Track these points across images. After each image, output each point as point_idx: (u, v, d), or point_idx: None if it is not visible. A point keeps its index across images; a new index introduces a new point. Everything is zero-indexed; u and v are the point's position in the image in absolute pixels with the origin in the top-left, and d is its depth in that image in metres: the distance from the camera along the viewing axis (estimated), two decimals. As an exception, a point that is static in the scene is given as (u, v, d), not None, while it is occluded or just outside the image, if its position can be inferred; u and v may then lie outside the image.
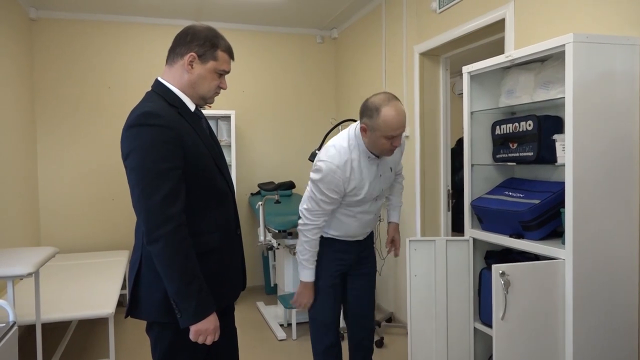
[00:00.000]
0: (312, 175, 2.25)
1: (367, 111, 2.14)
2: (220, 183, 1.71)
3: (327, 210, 2.29)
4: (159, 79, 1.69)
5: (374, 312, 2.58)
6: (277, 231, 3.88)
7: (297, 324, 3.83)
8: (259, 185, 5.03)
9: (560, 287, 1.98)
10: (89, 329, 3.95)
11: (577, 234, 1.93)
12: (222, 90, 1.76)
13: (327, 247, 2.40)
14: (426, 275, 2.54)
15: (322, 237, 2.40)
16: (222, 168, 1.73)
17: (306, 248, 2.33)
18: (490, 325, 2.34)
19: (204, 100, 1.72)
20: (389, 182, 2.41)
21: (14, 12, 4.03)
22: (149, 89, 1.71)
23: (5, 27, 3.81)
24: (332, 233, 2.40)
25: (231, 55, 1.71)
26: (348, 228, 2.37)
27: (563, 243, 1.99)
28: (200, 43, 1.63)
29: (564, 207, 1.97)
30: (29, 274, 2.31)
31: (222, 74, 1.70)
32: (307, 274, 2.37)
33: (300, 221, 2.34)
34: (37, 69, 4.54)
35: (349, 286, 2.50)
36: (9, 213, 3.74)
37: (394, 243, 2.58)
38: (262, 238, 4.13)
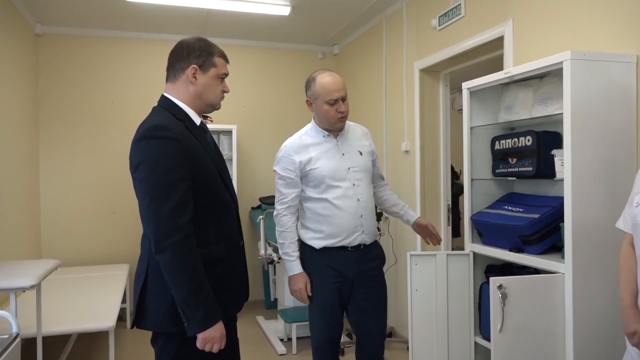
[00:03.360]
0: (274, 166, 2.42)
1: (307, 84, 2.37)
2: (225, 195, 1.75)
3: (289, 195, 2.35)
4: (165, 94, 1.74)
5: (383, 346, 2.46)
6: (277, 245, 3.88)
7: (297, 338, 3.82)
8: (260, 199, 5.05)
9: (559, 301, 1.99)
10: (90, 342, 3.93)
11: (577, 248, 1.95)
12: (224, 105, 1.83)
13: (318, 260, 2.32)
14: (427, 289, 2.54)
15: (311, 249, 2.35)
16: (226, 180, 1.77)
17: (279, 241, 2.37)
18: (489, 339, 2.35)
19: (212, 107, 1.78)
20: (362, 167, 2.38)
21: (20, 28, 4.09)
22: (153, 104, 1.76)
23: (12, 42, 3.87)
24: (321, 235, 2.31)
25: (226, 59, 1.79)
26: (336, 221, 2.29)
27: (563, 257, 2.01)
28: (198, 54, 1.70)
29: (563, 221, 1.99)
30: (32, 287, 2.33)
31: (223, 78, 1.77)
32: (291, 267, 2.34)
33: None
34: (42, 83, 4.59)
35: (354, 319, 2.39)
36: (11, 225, 3.75)
37: (427, 231, 2.49)
38: (262, 252, 4.14)
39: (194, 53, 1.69)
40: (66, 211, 4.67)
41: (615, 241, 1.97)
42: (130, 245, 4.67)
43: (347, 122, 2.43)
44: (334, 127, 2.36)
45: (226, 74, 1.78)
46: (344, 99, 2.30)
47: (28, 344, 3.19)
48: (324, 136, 2.37)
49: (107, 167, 4.74)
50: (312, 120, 2.43)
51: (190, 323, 1.54)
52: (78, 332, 3.16)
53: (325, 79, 2.29)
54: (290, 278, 2.36)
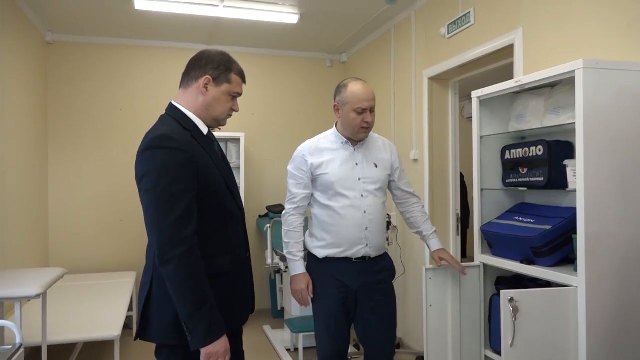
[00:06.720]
0: (288, 165, 2.42)
1: (338, 89, 2.37)
2: (231, 205, 1.72)
3: (298, 195, 2.34)
4: (173, 102, 1.72)
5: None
6: (284, 254, 3.86)
7: (304, 348, 3.78)
8: (267, 208, 5.03)
9: (572, 315, 1.94)
10: (95, 351, 3.92)
11: (590, 261, 1.90)
12: (233, 113, 1.80)
13: (321, 270, 2.31)
14: (440, 303, 2.48)
15: (316, 258, 2.33)
16: (233, 190, 1.75)
17: (285, 240, 2.38)
18: (500, 353, 2.30)
19: (217, 122, 1.76)
20: (375, 179, 2.36)
21: (31, 36, 4.12)
22: (161, 111, 1.75)
23: (23, 50, 3.90)
24: (324, 243, 2.30)
25: (243, 79, 1.77)
26: (339, 231, 2.28)
27: (575, 270, 1.96)
28: (215, 66, 1.68)
29: (575, 233, 1.94)
30: (37, 295, 2.31)
31: (235, 96, 1.75)
32: (294, 267, 2.35)
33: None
34: (51, 90, 4.62)
35: (362, 333, 2.36)
36: (19, 233, 3.76)
37: (450, 262, 2.40)
38: (269, 261, 4.11)
39: (212, 64, 1.68)
40: (74, 218, 4.67)
41: (630, 254, 1.93)
42: (137, 253, 4.66)
43: (372, 133, 2.45)
44: (356, 137, 2.35)
45: (239, 94, 1.76)
46: (371, 110, 2.31)
47: (33, 353, 3.18)
48: (342, 143, 2.37)
49: (115, 174, 4.75)
50: (335, 126, 2.43)
51: (194, 337, 1.51)
52: (83, 341, 3.14)
53: (357, 87, 2.30)
54: (292, 278, 2.36)
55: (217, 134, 1.88)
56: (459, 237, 3.83)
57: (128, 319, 4.18)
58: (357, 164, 2.34)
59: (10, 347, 1.99)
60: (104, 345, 3.92)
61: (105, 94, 4.79)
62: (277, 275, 4.54)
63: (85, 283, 4.20)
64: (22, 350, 2.00)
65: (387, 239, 3.55)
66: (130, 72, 4.87)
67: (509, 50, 2.89)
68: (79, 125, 4.70)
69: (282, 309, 4.52)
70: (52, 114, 4.62)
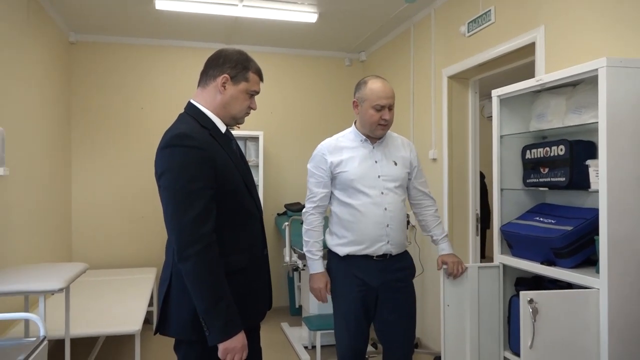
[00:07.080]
0: (308, 163, 2.44)
1: (357, 86, 2.39)
2: (249, 203, 1.74)
3: (318, 194, 2.35)
4: (192, 101, 1.74)
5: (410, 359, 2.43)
6: (302, 252, 3.87)
7: (322, 346, 3.79)
8: (285, 206, 5.05)
9: (594, 317, 1.91)
10: (116, 345, 3.99)
11: (612, 262, 1.87)
12: (251, 111, 1.82)
13: (342, 268, 2.32)
14: (458, 303, 2.47)
15: (336, 256, 2.34)
16: (251, 188, 1.77)
17: (304, 239, 2.39)
18: (519, 355, 2.27)
19: (235, 121, 1.78)
20: (395, 177, 2.35)
21: (54, 36, 4.20)
22: (181, 110, 1.77)
23: (47, 50, 3.98)
24: (345, 240, 2.31)
25: (261, 77, 1.78)
26: (360, 228, 2.28)
27: (597, 272, 1.93)
28: (233, 65, 1.70)
29: (597, 234, 1.91)
30: (60, 290, 2.36)
31: (252, 94, 1.76)
32: (313, 265, 2.38)
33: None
34: (74, 89, 4.70)
35: (381, 331, 2.37)
36: (44, 230, 3.84)
37: (448, 266, 2.40)
38: (287, 259, 4.13)
39: (229, 63, 1.70)
40: (96, 215, 4.76)
41: (653, 256, 1.89)
42: (157, 249, 4.74)
43: (391, 132, 2.45)
44: (373, 134, 2.36)
45: (257, 92, 1.77)
46: (390, 108, 2.32)
47: (56, 346, 3.25)
48: (361, 141, 2.38)
49: (136, 171, 4.82)
50: (353, 124, 2.45)
51: (211, 332, 1.53)
52: (105, 334, 3.21)
53: (376, 84, 2.32)
54: (311, 276, 2.38)
55: (235, 132, 1.90)
56: (479, 238, 3.80)
57: (148, 314, 4.23)
58: (376, 162, 2.35)
59: (35, 339, 2.04)
60: (125, 339, 3.99)
61: (126, 93, 4.86)
62: (295, 273, 4.56)
63: (107, 278, 4.27)
64: (45, 342, 2.05)
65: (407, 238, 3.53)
66: (150, 71, 4.93)
67: (530, 48, 2.85)
68: (101, 124, 4.78)
69: (300, 306, 4.54)
70: (75, 113, 4.71)
